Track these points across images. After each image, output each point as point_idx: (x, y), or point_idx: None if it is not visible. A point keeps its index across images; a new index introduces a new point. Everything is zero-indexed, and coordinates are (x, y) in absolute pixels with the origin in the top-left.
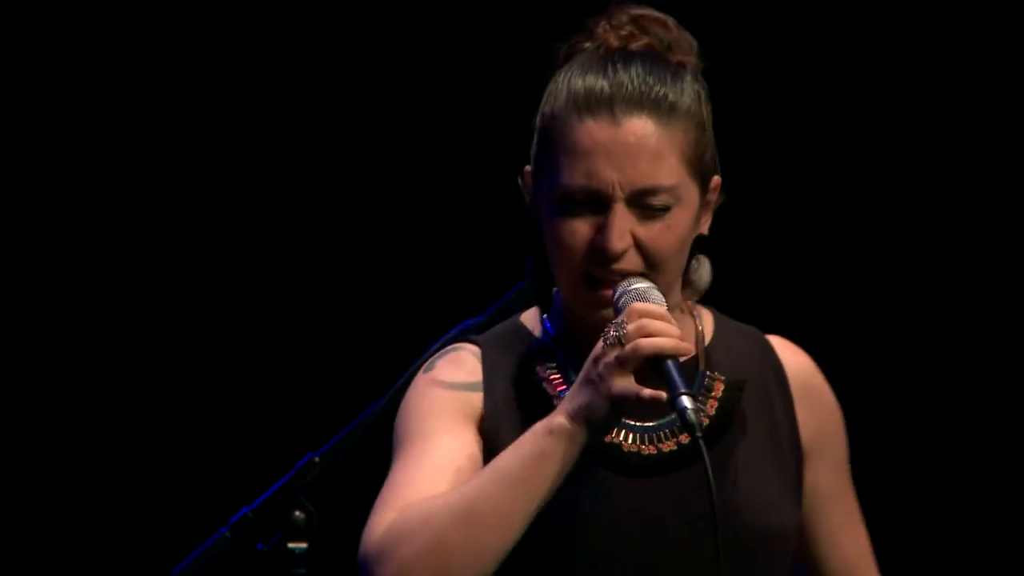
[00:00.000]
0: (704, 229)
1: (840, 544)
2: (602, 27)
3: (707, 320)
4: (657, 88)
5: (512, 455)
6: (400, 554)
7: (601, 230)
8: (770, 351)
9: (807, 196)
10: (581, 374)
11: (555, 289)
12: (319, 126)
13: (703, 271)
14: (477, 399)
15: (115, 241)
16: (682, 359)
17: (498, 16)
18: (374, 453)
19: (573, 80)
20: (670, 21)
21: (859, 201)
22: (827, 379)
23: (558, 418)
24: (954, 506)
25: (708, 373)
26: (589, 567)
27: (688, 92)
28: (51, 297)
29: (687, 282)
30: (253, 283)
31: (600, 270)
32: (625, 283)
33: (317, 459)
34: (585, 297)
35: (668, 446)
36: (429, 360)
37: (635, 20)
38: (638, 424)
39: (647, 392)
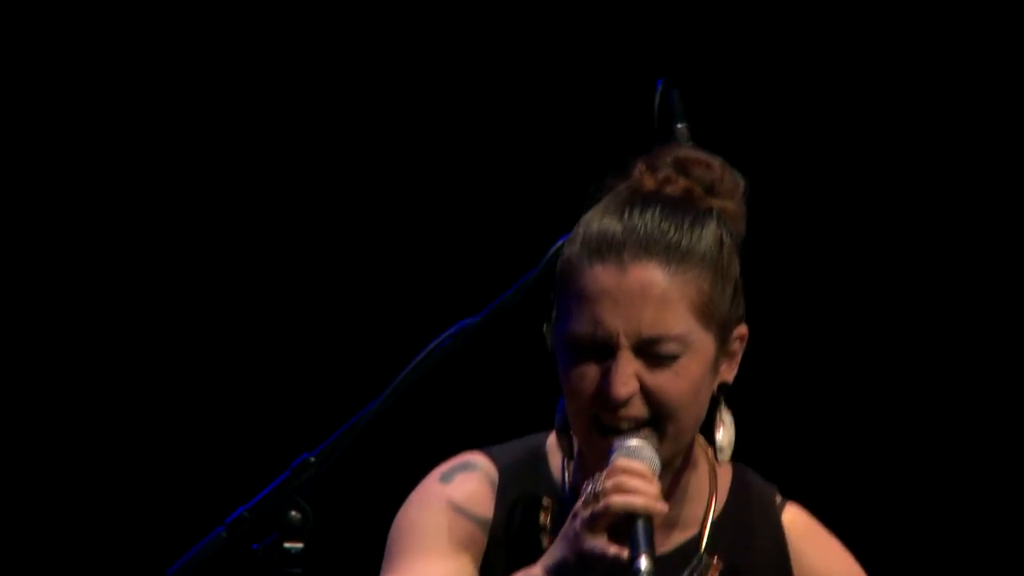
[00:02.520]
0: (728, 378)
1: None
2: (639, 168)
3: (724, 485)
4: (670, 234)
5: None
6: None
7: (607, 376)
8: (780, 536)
9: (807, 199)
10: (563, 528)
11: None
12: (319, 126)
13: (727, 432)
14: (481, 535)
15: (111, 242)
16: (685, 538)
17: (500, 17)
18: (370, 454)
19: (591, 223)
20: (716, 162)
21: (859, 204)
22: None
23: (534, 570)
24: (954, 506)
25: (706, 557)
26: None
27: (707, 238)
28: (47, 298)
29: (711, 440)
30: (249, 284)
31: (608, 415)
32: (621, 438)
33: (312, 459)
34: (594, 443)
35: None
36: (446, 471)
37: (678, 162)
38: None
39: (612, 550)
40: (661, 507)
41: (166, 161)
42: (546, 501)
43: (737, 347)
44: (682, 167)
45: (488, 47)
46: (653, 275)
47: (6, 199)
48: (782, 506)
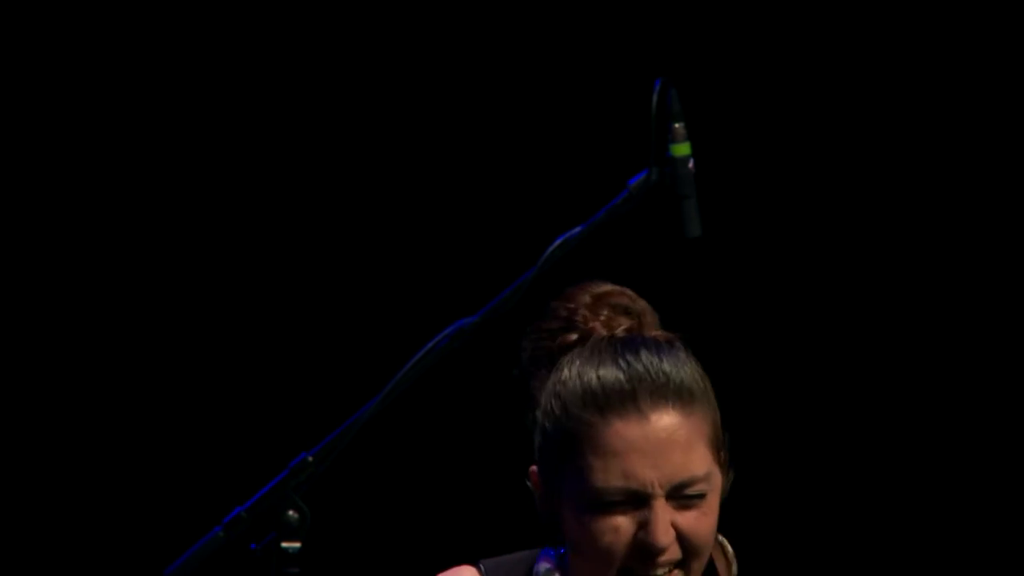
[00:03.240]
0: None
1: None
2: (581, 315)
3: None
4: (673, 375)
5: None
6: None
7: (643, 527)
8: None
9: (805, 199)
10: None
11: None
12: (317, 126)
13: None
14: None
15: (108, 242)
16: None
17: (498, 17)
18: (367, 453)
19: (585, 376)
20: (627, 291)
21: (857, 204)
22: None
23: None
24: (954, 507)
25: None
26: None
27: (695, 373)
28: (47, 298)
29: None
30: (246, 283)
31: (644, 566)
32: None
33: (311, 458)
34: None
35: None
36: None
37: (600, 299)
38: None
39: None
40: None
41: (166, 161)
42: None
43: (725, 461)
44: (610, 304)
45: (485, 47)
46: (673, 420)
47: (6, 199)
48: None
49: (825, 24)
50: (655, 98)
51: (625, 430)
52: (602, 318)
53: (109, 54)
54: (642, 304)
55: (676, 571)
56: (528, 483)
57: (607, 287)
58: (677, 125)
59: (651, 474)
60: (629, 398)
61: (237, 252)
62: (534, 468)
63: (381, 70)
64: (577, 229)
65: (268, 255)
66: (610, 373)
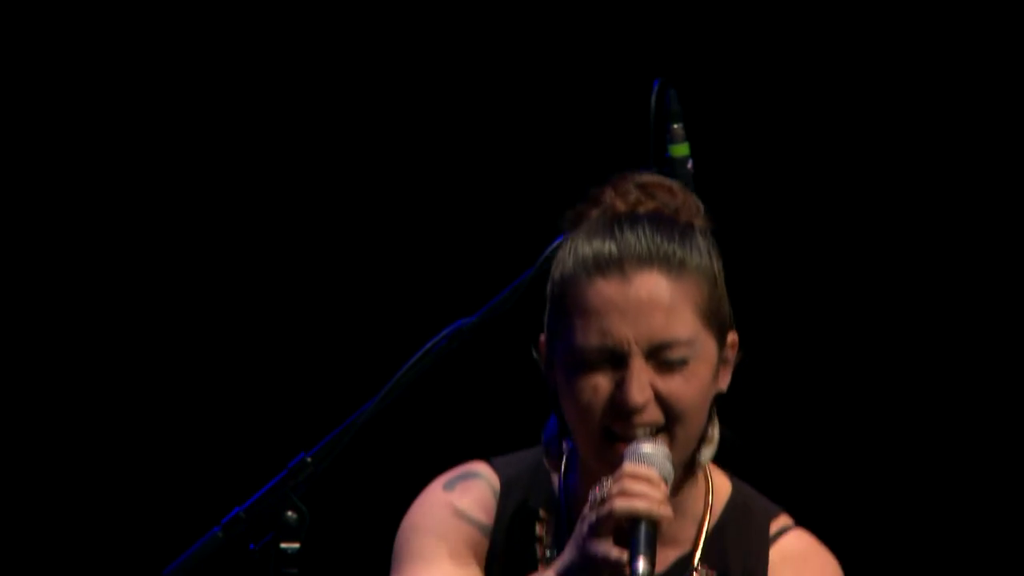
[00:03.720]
0: (723, 386)
1: None
2: (608, 194)
3: (720, 496)
4: (665, 245)
5: None
6: None
7: (620, 385)
8: (764, 560)
9: (803, 198)
10: (573, 534)
11: (568, 449)
12: (318, 126)
13: (709, 448)
14: (483, 541)
15: (109, 242)
16: (679, 554)
17: (497, 17)
18: (366, 454)
19: (580, 245)
20: (676, 186)
21: (855, 203)
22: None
23: (547, 574)
24: (953, 507)
25: (699, 569)
26: None
27: (697, 247)
28: (46, 298)
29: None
30: (246, 284)
31: (621, 425)
32: (634, 444)
33: (309, 459)
34: (604, 453)
35: None
36: (451, 478)
37: (641, 187)
38: None
39: (614, 554)
40: (666, 511)
41: (166, 161)
42: (543, 513)
43: (731, 354)
44: (647, 191)
45: (485, 48)
46: (657, 282)
47: (6, 199)
48: (780, 533)
49: (824, 24)
50: (654, 99)
51: (606, 288)
52: (630, 198)
53: (109, 54)
54: (684, 199)
55: (660, 435)
56: (534, 352)
57: (654, 178)
58: (676, 126)
59: (627, 331)
60: (615, 262)
61: (237, 253)
62: (542, 337)
63: (381, 71)
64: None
65: (268, 256)
66: (602, 242)
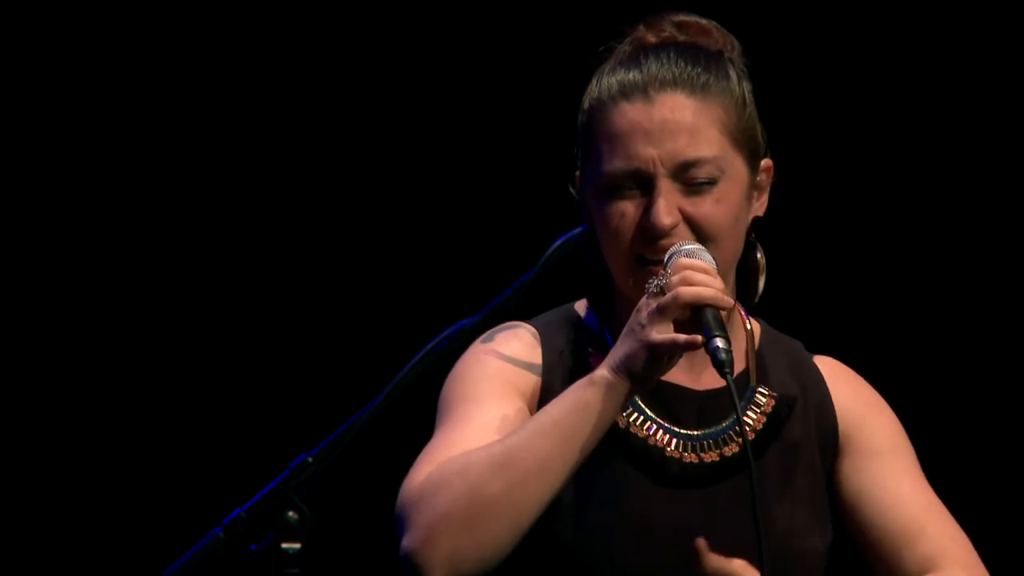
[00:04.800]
0: (760, 211)
1: (895, 493)
2: (640, 30)
3: (756, 332)
4: (689, 68)
5: (554, 407)
6: (436, 503)
7: (648, 209)
8: (816, 372)
9: (801, 199)
10: (627, 325)
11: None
12: (318, 126)
13: (761, 274)
14: (535, 377)
15: (108, 242)
16: (740, 372)
17: (497, 16)
18: (368, 454)
19: (608, 75)
20: (713, 27)
21: (854, 203)
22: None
23: (600, 370)
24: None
25: (759, 389)
26: (618, 571)
27: (723, 71)
28: (46, 298)
29: (741, 283)
30: (246, 284)
31: (651, 249)
32: (676, 245)
33: (310, 459)
34: (637, 277)
35: (710, 456)
36: (487, 335)
37: (677, 24)
38: (683, 432)
39: (683, 338)
40: (728, 300)
41: (166, 161)
42: (591, 349)
43: (765, 179)
44: (682, 29)
45: (486, 47)
46: (681, 103)
47: (6, 199)
48: (813, 355)
49: (824, 24)
50: None
51: (630, 112)
52: (664, 34)
53: (109, 54)
54: (719, 38)
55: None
56: (571, 188)
57: (691, 18)
58: None
59: (652, 152)
60: (639, 87)
61: (237, 254)
62: (577, 172)
63: (381, 71)
64: (577, 229)
65: (268, 257)
66: (627, 71)
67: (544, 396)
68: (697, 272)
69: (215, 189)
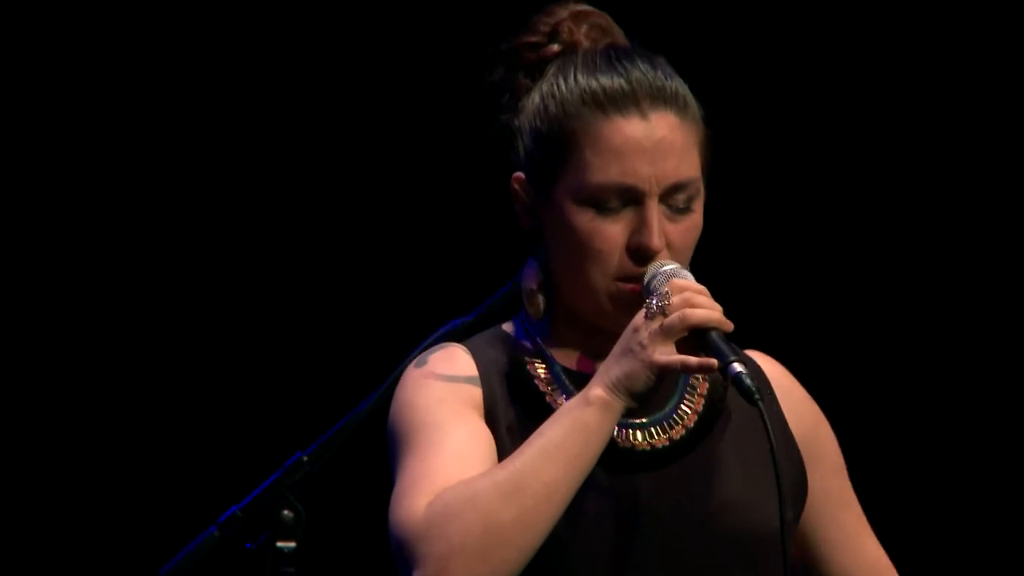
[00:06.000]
0: None
1: (858, 549)
2: (565, 28)
3: None
4: (669, 83)
5: (552, 430)
6: (447, 533)
7: (638, 229)
8: (759, 369)
9: (801, 199)
10: (618, 345)
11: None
12: (315, 126)
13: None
14: (476, 392)
15: (107, 242)
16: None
17: (494, 16)
18: (362, 452)
19: (582, 80)
20: (605, 15)
21: (852, 202)
22: (813, 384)
23: (595, 390)
24: (953, 509)
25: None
26: (583, 562)
27: (684, 85)
28: (43, 298)
29: None
30: (241, 283)
31: (636, 269)
32: (655, 265)
33: (305, 458)
34: (620, 295)
35: (661, 442)
36: (418, 357)
37: (581, 16)
38: (633, 421)
39: (695, 361)
40: (729, 323)
41: (165, 161)
42: (527, 358)
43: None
44: (591, 24)
45: (482, 46)
46: (672, 122)
47: (6, 199)
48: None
49: (823, 24)
50: None
51: (627, 127)
52: (583, 31)
53: (109, 54)
54: (617, 29)
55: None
56: (517, 186)
57: (586, 7)
58: None
59: (648, 171)
60: (631, 99)
61: (233, 252)
62: (520, 175)
63: (379, 71)
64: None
65: (264, 255)
66: (610, 76)
67: (488, 406)
68: (699, 295)
69: (211, 189)
